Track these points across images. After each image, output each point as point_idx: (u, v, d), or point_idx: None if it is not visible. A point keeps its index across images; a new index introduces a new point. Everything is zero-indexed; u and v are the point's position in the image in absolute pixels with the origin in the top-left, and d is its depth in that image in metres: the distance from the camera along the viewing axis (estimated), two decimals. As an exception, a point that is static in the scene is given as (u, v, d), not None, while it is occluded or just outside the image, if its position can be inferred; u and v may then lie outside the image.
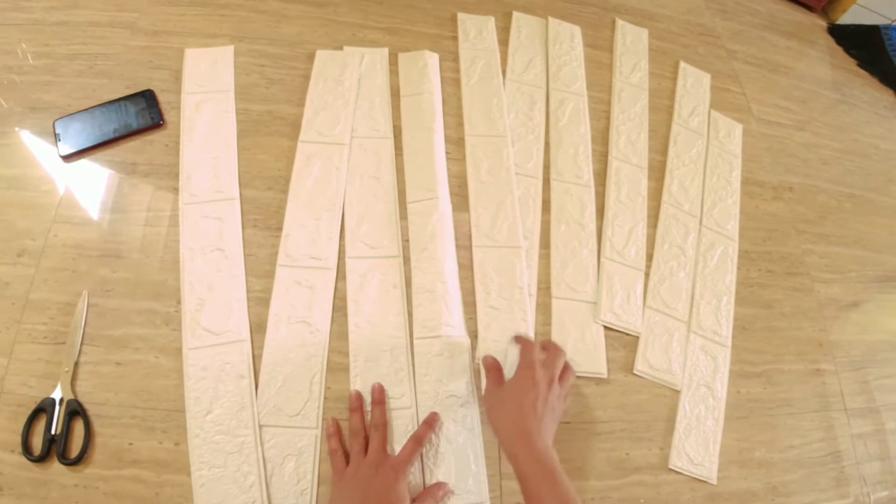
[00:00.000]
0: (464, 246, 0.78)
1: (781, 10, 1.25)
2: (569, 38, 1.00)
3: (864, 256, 0.96)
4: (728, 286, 0.85)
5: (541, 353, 0.65)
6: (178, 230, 0.72)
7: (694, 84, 1.03)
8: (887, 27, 1.22)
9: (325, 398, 0.67)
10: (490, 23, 0.98)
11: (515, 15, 1.00)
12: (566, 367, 0.66)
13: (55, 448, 0.60)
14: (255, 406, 0.64)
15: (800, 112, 1.09)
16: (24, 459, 0.59)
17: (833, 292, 0.91)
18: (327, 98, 0.84)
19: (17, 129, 0.76)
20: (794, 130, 1.06)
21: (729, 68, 1.09)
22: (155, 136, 0.78)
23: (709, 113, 1.01)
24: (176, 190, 0.74)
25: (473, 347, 0.72)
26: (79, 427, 0.61)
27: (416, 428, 0.66)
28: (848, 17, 1.24)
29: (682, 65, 1.04)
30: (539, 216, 0.82)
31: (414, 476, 0.64)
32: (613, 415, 0.73)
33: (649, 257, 0.84)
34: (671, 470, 0.71)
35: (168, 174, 0.75)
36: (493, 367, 0.67)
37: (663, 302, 0.81)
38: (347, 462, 0.62)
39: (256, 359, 0.67)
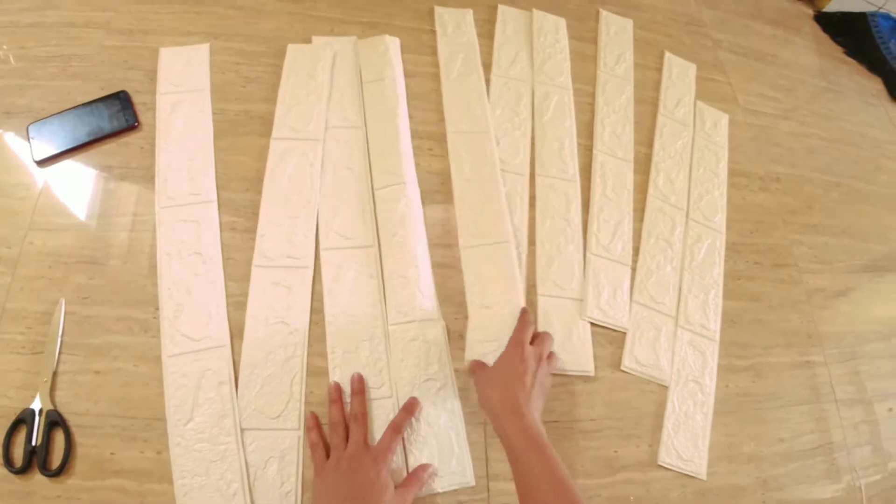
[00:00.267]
0: (449, 245, 0.77)
1: (766, -2, 1.24)
2: (553, 30, 0.99)
3: (852, 245, 0.96)
4: (716, 279, 0.84)
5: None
6: (155, 234, 0.71)
7: (679, 75, 1.02)
8: (874, 14, 1.22)
9: (306, 400, 0.66)
10: (468, 16, 0.96)
11: (501, 8, 0.98)
12: (551, 353, 0.70)
13: (36, 460, 0.59)
14: (236, 413, 0.63)
15: (786, 101, 1.08)
16: (5, 471, 0.58)
17: (821, 283, 0.90)
18: (300, 93, 0.82)
19: (-12, 133, 0.74)
20: (781, 120, 1.05)
21: (714, 58, 1.08)
22: (130, 139, 0.77)
23: (694, 104, 1.00)
24: (152, 193, 0.73)
25: (448, 332, 0.72)
26: (59, 438, 0.60)
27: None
28: (834, 5, 1.24)
29: (668, 55, 1.03)
30: (526, 213, 0.82)
31: (397, 461, 0.64)
32: (601, 412, 0.72)
33: (636, 252, 0.83)
34: (660, 466, 0.71)
35: (144, 177, 0.74)
36: (478, 364, 0.69)
37: (650, 297, 0.80)
38: (328, 455, 0.62)
39: (237, 364, 0.66)
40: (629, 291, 0.80)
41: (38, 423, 0.60)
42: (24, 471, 0.58)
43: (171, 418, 0.62)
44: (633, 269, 0.82)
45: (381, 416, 0.66)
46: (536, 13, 0.99)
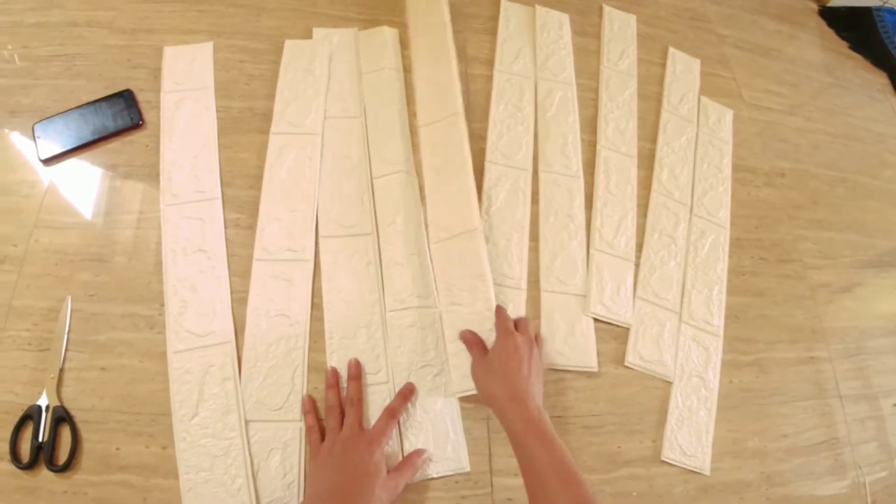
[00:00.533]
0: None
1: (771, -7, 1.23)
2: (557, 26, 0.98)
3: (857, 241, 0.95)
4: (719, 275, 0.84)
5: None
6: (160, 232, 0.71)
7: (683, 70, 1.02)
8: (879, 9, 1.21)
9: (307, 392, 0.66)
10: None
11: (504, 4, 0.98)
12: (537, 336, 0.72)
13: (43, 455, 0.60)
14: (241, 408, 0.64)
15: (791, 96, 1.07)
16: (12, 467, 0.59)
17: (826, 278, 0.90)
18: (298, 88, 0.83)
19: (-6, 133, 0.75)
20: (786, 115, 1.04)
21: (719, 53, 1.07)
22: (135, 137, 0.77)
23: (698, 99, 0.99)
24: (157, 191, 0.73)
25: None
26: (66, 433, 0.61)
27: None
28: (839, 0, 1.23)
29: (672, 50, 1.03)
30: (528, 208, 0.81)
31: (392, 446, 0.65)
32: (604, 408, 0.72)
33: (639, 248, 0.83)
34: (664, 462, 0.71)
35: (149, 175, 0.75)
36: (474, 341, 0.68)
37: (654, 292, 0.80)
38: (324, 439, 0.63)
39: (241, 359, 0.67)
40: (633, 287, 0.80)
41: (45, 419, 0.61)
42: (31, 466, 0.59)
43: (176, 414, 0.63)
44: (637, 265, 0.82)
45: (378, 401, 0.67)
46: (539, 9, 0.99)
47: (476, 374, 0.66)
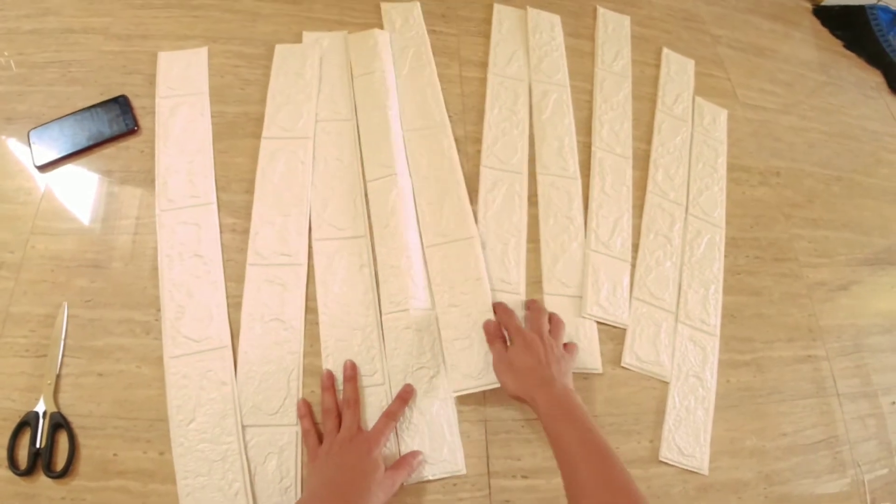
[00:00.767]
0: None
1: (765, -7, 1.24)
2: (549, 27, 0.99)
3: (853, 239, 0.96)
4: (716, 274, 0.84)
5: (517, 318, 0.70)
6: (156, 237, 0.71)
7: (678, 71, 1.02)
8: (873, 7, 1.21)
9: (303, 395, 0.67)
10: (416, 9, 0.95)
11: (496, 7, 0.98)
12: (554, 319, 0.71)
13: (41, 461, 0.60)
14: (238, 413, 0.64)
15: (785, 95, 1.08)
16: (10, 474, 0.59)
17: (822, 277, 0.90)
18: (289, 92, 0.83)
19: (-9, 140, 0.75)
20: (780, 114, 1.05)
21: (713, 53, 1.08)
22: (130, 143, 0.77)
23: (693, 100, 1.00)
24: (153, 196, 0.74)
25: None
26: (63, 440, 0.61)
27: (389, 404, 0.66)
28: (833, -2, 1.23)
29: (665, 51, 1.03)
30: (525, 211, 0.82)
31: (389, 448, 0.65)
32: (602, 409, 0.72)
33: (635, 248, 0.83)
34: (661, 462, 0.71)
35: (144, 180, 0.75)
36: (497, 334, 0.69)
37: (650, 293, 0.80)
38: (321, 442, 0.63)
39: (237, 363, 0.67)
40: (629, 288, 0.80)
41: (42, 426, 0.61)
42: (28, 472, 0.59)
43: (174, 419, 0.63)
44: (633, 266, 0.82)
45: (374, 403, 0.67)
46: (531, 11, 0.99)
47: (499, 372, 0.66)
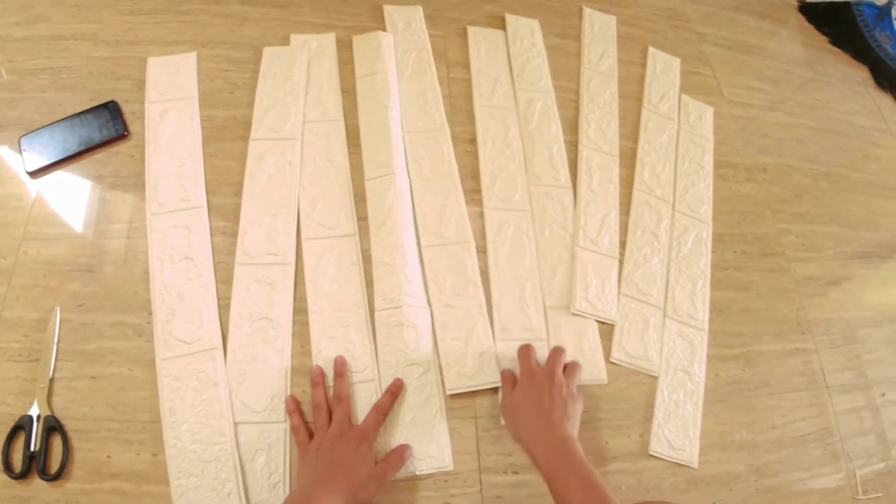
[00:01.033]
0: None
1: (752, -9, 1.25)
2: (528, 33, 0.99)
3: (842, 233, 0.96)
4: (703, 270, 0.85)
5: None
6: (147, 241, 0.72)
7: (664, 69, 1.03)
8: (858, 3, 1.22)
9: (291, 393, 0.67)
10: (418, 13, 0.96)
11: (471, 30, 0.97)
12: (571, 363, 0.71)
13: (35, 465, 0.60)
14: (230, 414, 0.64)
15: (772, 92, 1.08)
16: (5, 477, 0.59)
17: (810, 271, 0.91)
18: (277, 94, 0.84)
19: (-18, 147, 0.76)
20: (767, 111, 1.05)
21: (699, 51, 1.09)
22: (120, 148, 0.78)
23: (679, 97, 1.00)
24: (143, 200, 0.74)
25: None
26: (57, 443, 0.61)
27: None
28: (819, -5, 1.24)
29: (651, 50, 1.04)
30: (535, 253, 0.80)
31: (378, 443, 0.66)
32: (591, 404, 0.72)
33: (623, 245, 0.84)
34: (651, 456, 0.71)
35: (135, 185, 0.75)
36: (509, 378, 0.70)
37: (637, 289, 0.81)
38: (311, 438, 0.63)
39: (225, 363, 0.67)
40: (617, 284, 0.81)
41: (37, 429, 0.61)
42: (23, 476, 0.59)
43: (166, 420, 0.63)
44: (621, 262, 0.83)
45: (364, 398, 0.68)
46: (509, 18, 0.99)
47: (504, 411, 0.68)
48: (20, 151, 0.75)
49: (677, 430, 0.73)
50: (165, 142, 0.78)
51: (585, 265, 0.80)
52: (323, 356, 0.69)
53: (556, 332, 0.76)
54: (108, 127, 0.77)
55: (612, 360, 0.76)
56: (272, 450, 0.64)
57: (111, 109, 0.78)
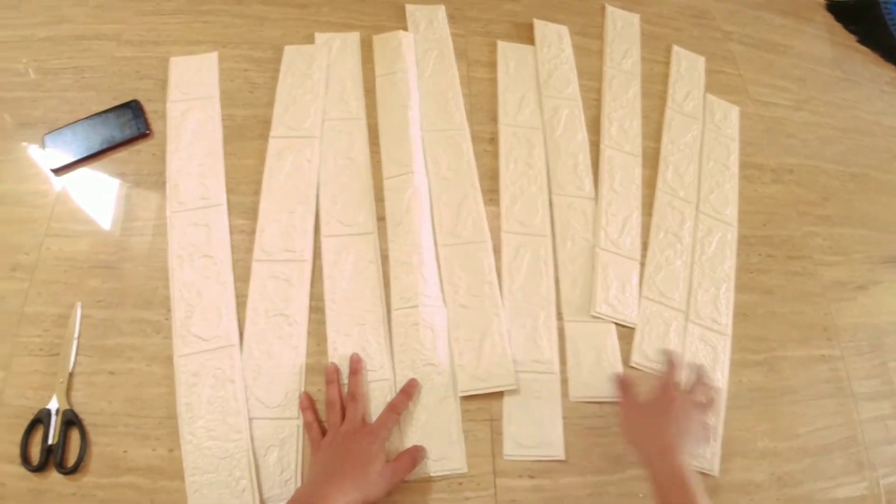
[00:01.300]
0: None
1: (777, -11, 1.22)
2: (557, 39, 0.98)
3: (870, 236, 0.94)
4: (727, 273, 0.83)
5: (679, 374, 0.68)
6: (167, 238, 0.73)
7: (688, 68, 1.01)
8: (886, 1, 1.19)
9: (305, 390, 0.67)
10: (440, 12, 0.96)
11: (500, 45, 0.96)
12: (708, 389, 0.68)
13: (53, 458, 0.61)
14: (246, 411, 0.65)
15: (798, 91, 1.06)
16: (23, 470, 0.60)
17: (837, 275, 0.88)
18: (296, 93, 0.84)
19: (7, 145, 0.77)
20: (793, 110, 1.03)
21: (724, 50, 1.07)
22: (142, 146, 0.79)
23: (704, 97, 0.99)
24: (164, 198, 0.75)
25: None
26: (75, 436, 0.62)
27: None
28: (847, -7, 1.22)
29: (675, 48, 1.02)
30: (553, 279, 0.78)
31: (391, 443, 0.65)
32: (609, 409, 0.71)
33: (644, 246, 0.83)
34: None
35: (156, 183, 0.76)
36: (627, 383, 0.69)
37: (659, 292, 0.80)
38: (324, 435, 0.63)
39: (244, 362, 0.68)
40: (638, 287, 0.79)
41: (55, 423, 0.62)
42: (41, 469, 0.60)
43: (183, 416, 0.64)
44: (643, 265, 0.81)
45: (379, 398, 0.67)
46: (538, 23, 0.98)
47: (626, 418, 0.67)
48: (44, 149, 0.76)
49: (697, 437, 0.72)
50: (187, 140, 0.79)
51: (606, 267, 0.79)
52: (339, 353, 0.69)
53: (574, 346, 0.74)
54: (130, 126, 0.78)
55: (631, 364, 0.74)
56: (285, 446, 0.64)
57: (133, 108, 0.79)
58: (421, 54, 0.91)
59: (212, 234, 0.73)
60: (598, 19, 1.03)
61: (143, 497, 0.61)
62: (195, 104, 0.81)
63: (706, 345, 0.78)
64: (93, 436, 0.62)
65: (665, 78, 0.99)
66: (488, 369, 0.69)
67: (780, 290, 0.85)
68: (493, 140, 0.86)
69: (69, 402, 0.63)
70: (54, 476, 0.61)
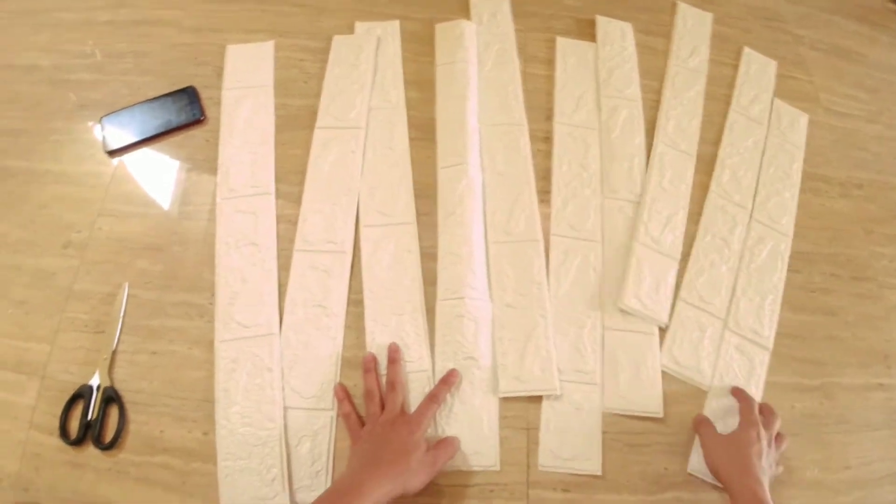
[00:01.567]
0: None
1: (851, -7, 1.15)
2: (619, 37, 0.94)
3: (943, 260, 0.88)
4: (776, 284, 0.79)
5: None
6: (215, 224, 0.73)
7: (758, 71, 0.96)
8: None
9: (341, 382, 0.67)
10: (504, 4, 0.94)
11: (559, 41, 0.93)
12: (780, 434, 0.68)
13: (91, 433, 0.62)
14: (282, 400, 0.65)
15: (871, 102, 1.00)
16: (60, 442, 0.62)
17: (904, 299, 0.83)
18: (343, 83, 0.84)
19: (65, 125, 0.80)
20: (866, 122, 0.97)
21: (795, 54, 1.01)
22: (196, 132, 0.80)
23: (772, 102, 0.94)
24: (214, 185, 0.76)
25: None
26: (114, 413, 0.64)
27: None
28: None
29: (746, 50, 0.97)
30: (599, 288, 0.76)
31: (431, 432, 0.65)
32: (652, 427, 0.69)
33: (687, 248, 0.79)
34: (714, 486, 0.66)
35: (208, 169, 0.77)
36: (704, 420, 0.69)
37: (699, 296, 0.76)
38: (363, 425, 0.63)
39: (283, 350, 0.68)
40: (673, 287, 0.76)
41: (95, 399, 0.63)
42: (78, 442, 0.62)
43: (220, 401, 0.64)
44: (683, 268, 0.78)
45: (416, 388, 0.67)
46: (600, 19, 0.95)
47: (711, 449, 0.65)
48: (101, 131, 0.78)
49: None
50: (240, 128, 0.79)
51: (641, 262, 0.76)
52: (377, 343, 0.69)
53: (612, 355, 0.71)
54: (185, 111, 0.79)
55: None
56: (318, 437, 0.64)
57: (189, 94, 0.81)
58: (482, 47, 0.90)
59: (259, 222, 0.74)
60: (663, 17, 1.00)
61: (176, 477, 0.62)
62: (249, 92, 0.82)
63: (742, 355, 0.74)
64: (131, 414, 0.64)
65: (731, 81, 0.95)
66: (531, 372, 0.68)
67: (842, 312, 0.80)
68: (548, 139, 0.84)
69: (111, 380, 0.65)
70: (91, 450, 0.62)
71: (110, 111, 0.79)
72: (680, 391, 0.71)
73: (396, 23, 0.90)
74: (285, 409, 0.65)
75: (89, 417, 0.63)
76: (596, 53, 0.92)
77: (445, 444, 0.62)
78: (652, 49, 0.96)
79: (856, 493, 0.69)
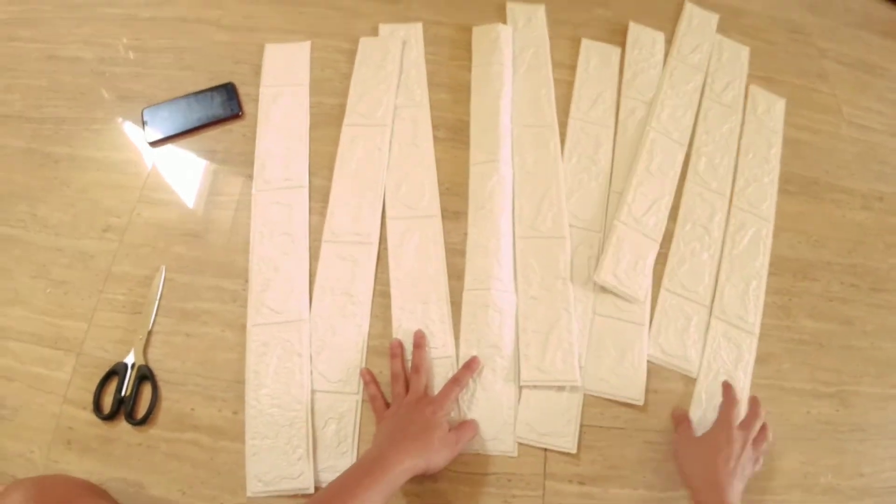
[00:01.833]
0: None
1: (877, 8, 1.15)
2: (650, 43, 0.96)
3: (963, 275, 0.88)
4: (758, 269, 0.80)
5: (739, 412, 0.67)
6: (250, 214, 0.76)
7: (730, 58, 0.98)
8: None
9: (367, 368, 0.69)
10: (540, 11, 0.96)
11: (584, 43, 0.95)
12: (763, 429, 0.66)
13: (123, 409, 0.65)
14: (310, 383, 0.67)
15: (894, 116, 1.00)
16: (94, 417, 0.65)
17: (923, 312, 0.83)
18: (370, 83, 0.86)
19: (108, 115, 0.83)
20: (888, 136, 0.98)
21: (818, 67, 1.02)
22: (234, 126, 0.83)
23: (746, 87, 0.95)
24: (250, 177, 0.79)
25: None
26: (146, 391, 0.66)
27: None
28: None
29: (718, 37, 1.00)
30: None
31: (453, 415, 0.67)
32: (670, 427, 0.70)
33: (669, 235, 0.80)
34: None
35: (244, 162, 0.80)
36: (684, 418, 0.69)
37: (682, 284, 0.77)
38: (388, 407, 0.65)
39: (311, 335, 0.70)
40: (652, 267, 0.77)
41: (129, 376, 0.66)
42: (111, 418, 0.65)
43: (250, 382, 0.67)
44: (666, 253, 0.79)
45: (440, 374, 0.69)
46: (633, 26, 0.97)
47: (680, 449, 0.66)
48: (142, 122, 0.81)
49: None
50: (276, 124, 0.82)
51: (621, 240, 0.77)
52: (403, 329, 0.71)
53: (598, 340, 0.73)
54: (224, 106, 0.83)
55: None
56: (343, 419, 0.66)
57: (228, 90, 0.84)
58: (517, 50, 0.92)
59: (292, 214, 0.76)
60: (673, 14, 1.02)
61: (205, 454, 0.64)
62: (286, 90, 0.85)
63: (730, 342, 0.75)
64: (164, 391, 0.66)
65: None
66: (552, 363, 0.69)
67: (860, 321, 0.81)
68: (561, 137, 0.86)
69: (145, 358, 0.67)
70: (123, 426, 0.65)
71: (150, 104, 0.83)
72: (650, 368, 0.72)
73: (419, 25, 0.93)
74: (312, 391, 0.67)
75: (123, 394, 0.65)
76: (619, 57, 0.95)
77: (466, 426, 0.64)
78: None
79: (868, 500, 0.70)
